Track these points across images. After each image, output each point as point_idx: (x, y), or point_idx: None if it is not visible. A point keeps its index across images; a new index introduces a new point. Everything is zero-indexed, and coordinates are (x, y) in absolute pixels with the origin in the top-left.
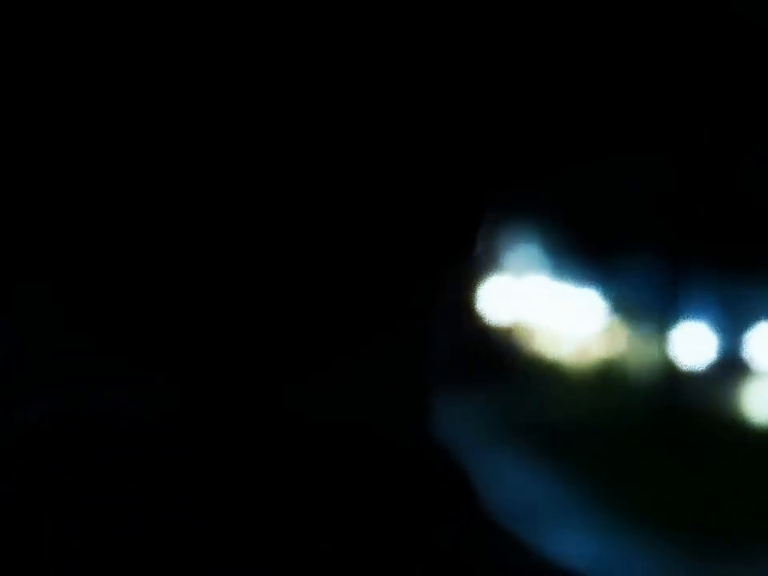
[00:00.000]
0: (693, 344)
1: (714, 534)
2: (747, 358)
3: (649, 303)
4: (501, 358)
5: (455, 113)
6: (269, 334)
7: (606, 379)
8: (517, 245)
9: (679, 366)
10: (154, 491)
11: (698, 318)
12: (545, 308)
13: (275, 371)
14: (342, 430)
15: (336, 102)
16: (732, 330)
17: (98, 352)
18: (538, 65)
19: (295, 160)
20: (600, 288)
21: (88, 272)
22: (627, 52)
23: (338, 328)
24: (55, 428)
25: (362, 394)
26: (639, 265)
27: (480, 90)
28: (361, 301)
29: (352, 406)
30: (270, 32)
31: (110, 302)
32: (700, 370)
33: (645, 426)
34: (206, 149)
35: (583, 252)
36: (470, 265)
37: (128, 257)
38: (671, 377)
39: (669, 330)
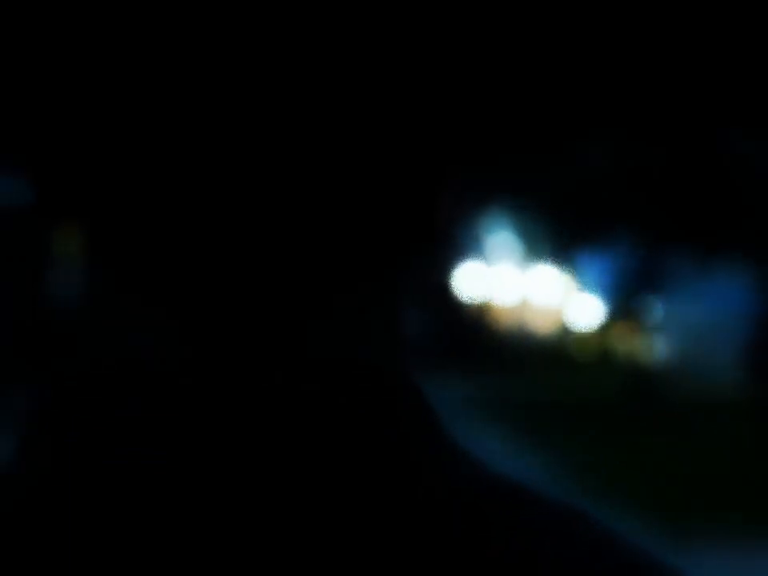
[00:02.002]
0: (671, 324)
1: (688, 514)
2: (724, 338)
3: (629, 284)
4: (481, 336)
5: (424, 94)
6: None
7: (586, 359)
8: (497, 226)
9: (658, 346)
10: (186, 430)
11: (677, 299)
12: (526, 289)
13: (283, 324)
14: (329, 365)
15: (305, 89)
16: (710, 312)
17: (134, 307)
18: (517, 47)
19: (285, 149)
20: (579, 269)
21: (119, 235)
22: (610, 33)
23: (325, 286)
24: (103, 373)
25: (344, 335)
26: (619, 246)
27: (459, 74)
28: (342, 266)
29: (338, 345)
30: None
31: (142, 262)
32: (678, 350)
33: (623, 405)
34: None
35: (563, 233)
36: (446, 243)
37: (152, 223)
38: (649, 357)
39: (648, 310)
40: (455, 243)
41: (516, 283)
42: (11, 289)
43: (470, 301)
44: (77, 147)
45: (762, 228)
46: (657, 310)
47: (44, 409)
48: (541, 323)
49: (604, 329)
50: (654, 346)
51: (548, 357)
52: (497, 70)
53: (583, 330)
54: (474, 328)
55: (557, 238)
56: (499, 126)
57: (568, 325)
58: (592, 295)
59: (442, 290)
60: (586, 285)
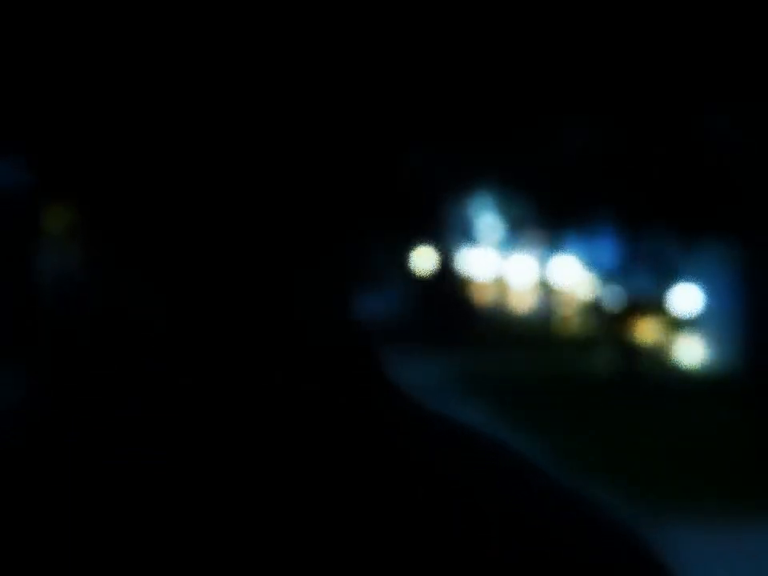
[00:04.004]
0: (651, 303)
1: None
2: (703, 316)
3: (608, 264)
4: (464, 316)
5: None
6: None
7: (567, 338)
8: (482, 208)
9: (638, 324)
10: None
11: (657, 278)
12: (506, 269)
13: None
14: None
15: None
16: (689, 289)
17: (119, 267)
18: (496, 26)
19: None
20: (567, 250)
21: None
22: (593, 14)
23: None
24: (103, 373)
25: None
26: (605, 228)
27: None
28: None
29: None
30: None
31: (131, 229)
32: (660, 328)
33: (604, 383)
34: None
35: (544, 215)
36: (419, 223)
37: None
38: (630, 336)
39: (629, 290)
40: (436, 223)
41: (502, 264)
42: (5, 268)
43: (455, 280)
44: (73, 128)
45: (747, 212)
46: (646, 291)
47: (44, 409)
48: (528, 303)
49: (590, 309)
50: (640, 327)
51: (534, 336)
52: (464, 47)
53: (571, 311)
54: (459, 307)
55: (543, 220)
56: (462, 102)
57: (556, 305)
58: (579, 276)
59: (427, 268)
60: (573, 266)
